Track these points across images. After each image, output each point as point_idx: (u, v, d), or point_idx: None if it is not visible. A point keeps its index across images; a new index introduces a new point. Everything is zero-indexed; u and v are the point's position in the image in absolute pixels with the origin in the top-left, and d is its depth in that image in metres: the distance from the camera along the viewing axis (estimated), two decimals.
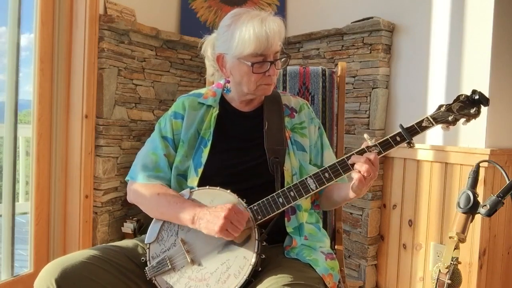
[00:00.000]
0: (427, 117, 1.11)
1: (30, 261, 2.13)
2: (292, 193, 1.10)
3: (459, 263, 0.95)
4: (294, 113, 1.31)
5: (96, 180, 2.28)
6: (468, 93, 1.12)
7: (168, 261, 1.11)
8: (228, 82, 1.28)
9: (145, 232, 1.19)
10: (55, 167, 2.19)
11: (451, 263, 0.94)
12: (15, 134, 2.07)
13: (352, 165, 1.09)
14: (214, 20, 2.82)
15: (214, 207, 1.07)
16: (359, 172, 1.05)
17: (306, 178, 1.12)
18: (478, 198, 0.96)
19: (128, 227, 2.37)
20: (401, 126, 1.11)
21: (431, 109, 2.12)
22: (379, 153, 1.09)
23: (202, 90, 1.34)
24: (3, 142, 2.06)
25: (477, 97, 1.10)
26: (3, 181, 2.07)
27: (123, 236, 2.37)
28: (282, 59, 1.22)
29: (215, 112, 1.26)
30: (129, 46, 2.39)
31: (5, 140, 2.05)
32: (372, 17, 2.21)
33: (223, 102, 1.30)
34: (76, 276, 1.01)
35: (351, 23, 2.30)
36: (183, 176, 1.22)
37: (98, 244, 2.27)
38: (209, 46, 1.29)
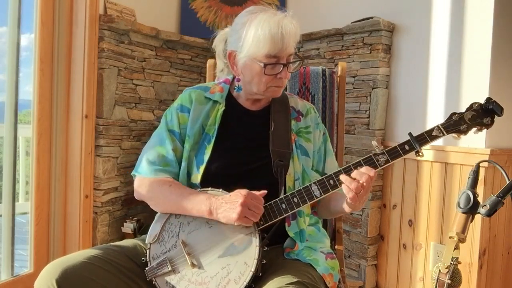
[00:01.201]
0: (437, 126, 1.08)
1: (30, 261, 2.13)
2: (295, 199, 1.09)
3: (459, 263, 0.95)
4: (301, 117, 1.29)
5: (96, 180, 2.28)
6: (482, 101, 1.08)
7: (168, 263, 1.10)
8: (238, 80, 1.26)
9: (145, 232, 1.19)
10: (55, 167, 2.19)
11: (451, 263, 0.94)
12: (15, 134, 2.07)
13: None
14: (214, 20, 2.82)
15: (229, 195, 1.06)
16: (350, 188, 1.03)
17: (310, 185, 1.09)
18: (478, 198, 0.96)
19: (128, 227, 2.37)
20: (410, 134, 1.08)
21: (431, 109, 2.13)
22: (386, 161, 1.07)
23: (209, 84, 1.32)
24: (3, 142, 2.06)
25: (491, 106, 1.06)
26: (3, 181, 2.07)
27: (123, 236, 2.37)
28: (296, 63, 1.20)
29: (221, 108, 1.24)
30: (129, 46, 2.39)
31: (5, 140, 2.05)
32: (372, 17, 2.21)
33: (230, 99, 1.27)
34: (77, 276, 1.01)
35: (351, 23, 2.30)
36: (189, 173, 1.20)
37: (98, 244, 2.27)
38: (221, 41, 1.27)
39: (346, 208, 1.12)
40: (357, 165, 1.08)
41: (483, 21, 1.90)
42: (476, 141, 1.92)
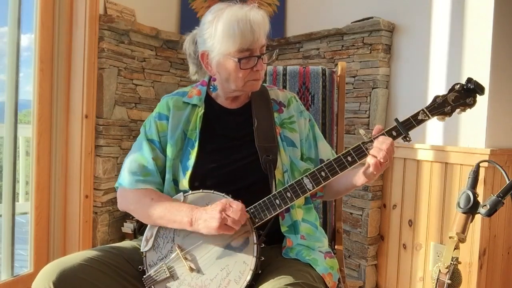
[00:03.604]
0: (422, 110, 1.08)
1: (30, 261, 2.13)
2: (288, 194, 1.09)
3: (459, 263, 0.95)
4: (283, 108, 1.27)
5: (96, 180, 2.28)
6: (463, 82, 1.09)
7: (166, 269, 1.08)
8: (214, 80, 1.24)
9: (144, 232, 1.18)
10: (55, 167, 2.19)
11: (451, 263, 0.94)
12: (15, 134, 2.07)
13: (351, 163, 1.07)
14: None
15: (210, 206, 1.05)
16: (375, 157, 1.03)
17: (302, 178, 1.09)
18: (478, 198, 0.96)
19: (128, 227, 2.37)
20: (397, 120, 1.08)
21: None
22: None
23: (186, 89, 1.29)
24: (3, 142, 2.06)
25: (472, 86, 1.06)
26: (3, 181, 2.07)
27: (123, 236, 2.38)
28: (269, 53, 1.17)
29: (200, 111, 1.22)
30: (129, 46, 2.39)
31: (5, 140, 2.05)
32: (372, 17, 2.21)
33: (209, 100, 1.25)
34: (74, 279, 1.00)
35: (351, 23, 2.30)
36: (175, 181, 1.18)
37: (98, 244, 2.27)
38: (191, 44, 1.25)
39: (360, 181, 1.11)
40: (347, 155, 1.08)
41: (483, 21, 1.90)
42: (476, 141, 1.92)
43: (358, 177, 1.12)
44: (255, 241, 1.05)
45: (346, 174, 1.15)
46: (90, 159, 2.23)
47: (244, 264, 1.04)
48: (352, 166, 1.09)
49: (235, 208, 1.02)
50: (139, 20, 2.47)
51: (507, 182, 0.94)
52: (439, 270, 0.95)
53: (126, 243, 1.21)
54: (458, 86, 1.08)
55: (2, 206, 2.07)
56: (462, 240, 0.95)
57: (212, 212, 1.03)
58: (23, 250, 2.23)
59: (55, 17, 2.14)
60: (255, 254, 1.04)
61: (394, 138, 1.07)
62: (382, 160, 1.03)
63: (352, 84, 2.31)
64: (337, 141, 1.56)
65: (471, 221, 0.96)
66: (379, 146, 1.03)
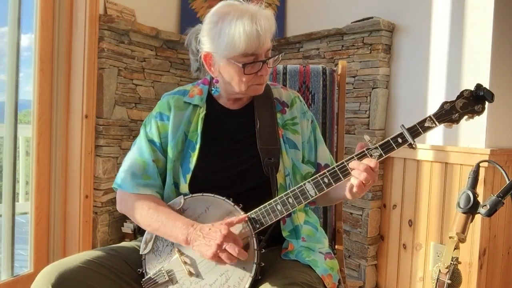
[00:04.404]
0: (429, 117, 1.05)
1: (30, 261, 2.13)
2: (290, 200, 1.06)
3: (459, 263, 0.95)
4: (286, 108, 1.24)
5: (96, 180, 2.28)
6: (472, 88, 1.05)
7: (165, 273, 1.08)
8: (217, 81, 1.20)
9: (144, 232, 1.18)
10: (55, 167, 2.19)
11: (451, 263, 0.94)
12: (15, 134, 2.07)
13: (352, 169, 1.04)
14: None
15: (209, 229, 1.01)
16: (358, 179, 1.01)
17: (304, 184, 1.06)
18: (478, 198, 0.96)
19: (128, 227, 2.37)
20: (403, 126, 1.06)
21: (431, 109, 2.13)
22: (380, 156, 1.04)
23: (187, 87, 1.26)
24: (3, 142, 2.06)
25: (482, 93, 1.03)
26: (3, 181, 2.07)
27: (123, 236, 2.37)
28: (274, 58, 1.14)
29: (202, 112, 1.19)
30: (129, 46, 2.39)
31: (5, 140, 2.05)
32: (372, 17, 2.21)
33: (210, 100, 1.22)
34: (73, 281, 0.99)
35: (351, 23, 2.30)
36: (176, 183, 1.16)
37: (98, 244, 2.28)
38: (193, 40, 1.20)
39: (348, 195, 1.09)
40: (350, 161, 1.05)
41: (483, 21, 1.90)
42: (476, 141, 1.92)
43: (346, 191, 1.09)
44: (255, 247, 1.03)
45: (339, 184, 1.11)
46: (90, 159, 2.23)
47: (244, 270, 1.03)
48: None
49: (236, 243, 0.99)
50: (139, 20, 2.47)
51: (507, 182, 0.94)
52: (439, 270, 0.95)
53: (126, 244, 1.20)
54: (467, 92, 1.04)
55: (2, 206, 2.07)
56: (462, 240, 0.95)
57: (209, 240, 1.00)
58: (23, 250, 2.23)
59: (55, 17, 2.14)
60: (255, 260, 1.03)
61: (399, 145, 1.04)
62: (364, 182, 1.00)
63: (352, 84, 2.31)
64: (337, 141, 1.56)
65: (471, 221, 0.96)
66: (360, 169, 1.01)
